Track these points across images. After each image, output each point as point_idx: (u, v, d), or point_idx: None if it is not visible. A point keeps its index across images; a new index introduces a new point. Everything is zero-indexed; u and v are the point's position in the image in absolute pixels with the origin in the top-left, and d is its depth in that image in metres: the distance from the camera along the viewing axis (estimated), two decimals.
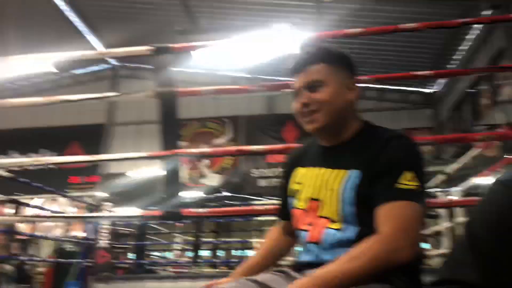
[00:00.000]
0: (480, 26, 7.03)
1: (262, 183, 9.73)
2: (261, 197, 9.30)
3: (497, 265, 0.68)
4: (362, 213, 1.06)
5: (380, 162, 1.06)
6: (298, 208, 1.19)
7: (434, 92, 10.10)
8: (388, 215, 1.00)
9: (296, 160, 1.28)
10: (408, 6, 6.87)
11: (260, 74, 10.29)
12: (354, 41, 8.08)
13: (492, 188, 0.76)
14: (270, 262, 1.29)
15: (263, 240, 1.39)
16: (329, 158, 1.17)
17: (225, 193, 10.09)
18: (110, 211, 5.79)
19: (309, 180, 1.18)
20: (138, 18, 9.02)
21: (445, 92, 9.49)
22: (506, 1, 6.10)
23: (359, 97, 1.21)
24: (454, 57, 8.30)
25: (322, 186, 1.14)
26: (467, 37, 7.74)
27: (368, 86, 10.13)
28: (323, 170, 1.16)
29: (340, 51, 1.22)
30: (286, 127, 9.98)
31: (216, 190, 10.04)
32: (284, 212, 1.32)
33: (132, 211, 7.95)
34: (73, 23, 9.44)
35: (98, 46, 9.75)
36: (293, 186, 1.23)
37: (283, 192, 1.32)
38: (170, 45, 2.09)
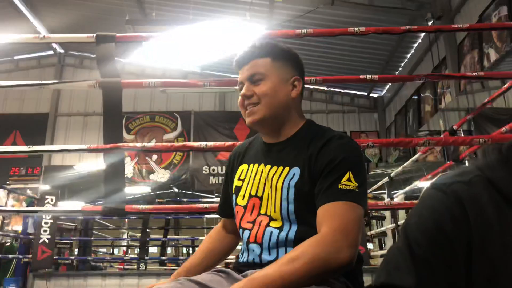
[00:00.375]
0: (426, 37, 7.36)
1: (213, 180, 9.66)
2: (212, 194, 9.24)
3: (432, 270, 0.69)
4: (302, 211, 1.07)
5: (320, 162, 1.07)
6: (239, 205, 1.18)
7: (381, 97, 10.48)
8: (328, 215, 0.99)
9: (240, 157, 1.27)
10: (358, 12, 7.07)
11: (212, 70, 10.22)
12: (305, 42, 8.22)
13: (427, 192, 0.77)
14: (212, 261, 1.27)
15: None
16: (271, 155, 1.17)
17: (174, 190, 9.93)
18: (53, 205, 5.53)
19: (251, 177, 1.18)
20: (86, 5, 8.65)
21: (391, 98, 9.87)
22: (448, 13, 6.44)
23: (302, 94, 1.22)
24: (401, 64, 8.65)
25: (263, 183, 1.14)
26: (414, 45, 8.08)
27: (318, 88, 10.37)
28: (265, 167, 1.16)
29: (286, 48, 1.23)
30: (238, 124, 9.97)
31: (165, 186, 9.87)
32: (225, 210, 1.31)
33: (73, 205, 7.65)
34: (17, 5, 8.88)
35: (42, 31, 9.25)
36: (235, 182, 1.22)
37: (225, 189, 1.31)
38: (114, 33, 2.00)
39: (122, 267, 8.64)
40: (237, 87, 1.24)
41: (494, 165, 0.74)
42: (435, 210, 0.72)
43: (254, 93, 1.15)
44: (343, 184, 1.02)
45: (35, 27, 9.31)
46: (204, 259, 1.26)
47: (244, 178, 1.19)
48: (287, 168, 1.11)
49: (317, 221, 1.01)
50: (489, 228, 0.70)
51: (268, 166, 1.15)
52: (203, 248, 1.29)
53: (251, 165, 1.20)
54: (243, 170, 1.22)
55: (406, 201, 2.22)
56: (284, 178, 1.10)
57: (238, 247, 1.34)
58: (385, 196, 5.81)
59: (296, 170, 1.10)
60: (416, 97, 8.21)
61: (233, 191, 1.22)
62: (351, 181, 1.02)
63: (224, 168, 9.63)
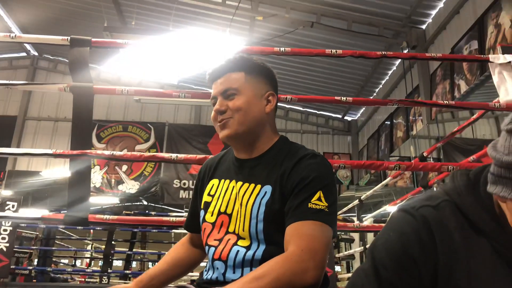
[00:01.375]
0: (401, 64, 7.58)
1: (184, 194, 9.51)
2: (181, 209, 9.08)
3: None
4: (271, 231, 1.05)
5: (291, 180, 1.05)
6: (207, 222, 1.15)
7: (355, 120, 10.66)
8: (296, 234, 0.97)
9: (210, 171, 1.24)
10: (337, 36, 7.22)
11: (189, 83, 10.19)
12: (283, 61, 8.33)
13: (396, 214, 0.77)
14: (176, 272, 1.23)
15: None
16: (243, 171, 1.15)
17: (142, 202, 9.73)
18: (14, 211, 5.31)
19: (221, 193, 1.15)
20: (64, 9, 8.51)
21: (364, 122, 10.05)
22: (423, 43, 6.66)
23: (275, 109, 1.21)
24: (375, 89, 8.85)
25: (233, 200, 1.11)
26: (389, 72, 8.29)
27: (294, 108, 10.47)
28: (236, 183, 1.13)
29: (261, 62, 1.22)
30: (212, 139, 9.92)
31: (134, 198, 9.66)
32: (192, 224, 1.28)
33: (35, 213, 7.34)
34: None
35: (16, 31, 9.02)
36: (204, 198, 1.19)
37: (194, 203, 1.27)
38: (89, 38, 1.96)
39: (84, 279, 8.34)
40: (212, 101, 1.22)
41: (462, 191, 0.74)
42: (403, 233, 0.72)
43: (227, 107, 1.13)
44: (313, 203, 1.00)
45: (9, 27, 9.09)
46: (168, 269, 1.22)
47: (214, 194, 1.16)
48: (258, 186, 1.09)
49: (285, 239, 0.99)
50: (455, 254, 0.69)
51: (240, 183, 1.13)
52: (168, 259, 1.25)
53: (222, 180, 1.17)
54: (213, 185, 1.19)
55: (375, 224, 2.23)
56: (256, 196, 1.08)
57: (203, 263, 1.30)
58: (355, 218, 5.85)
59: (268, 188, 1.07)
60: (388, 122, 8.39)
61: (202, 207, 1.18)
62: (321, 200, 1.01)
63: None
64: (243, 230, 1.07)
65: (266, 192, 1.07)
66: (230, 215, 1.10)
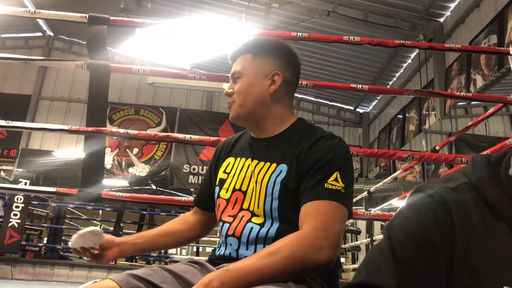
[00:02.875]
0: (416, 58, 7.48)
1: (193, 179, 9.58)
2: (190, 194, 9.16)
3: (413, 273, 0.68)
4: (285, 209, 1.05)
5: (308, 160, 1.05)
6: (222, 198, 1.16)
7: (367, 113, 10.59)
8: (311, 213, 0.98)
9: (227, 149, 1.25)
10: (353, 26, 7.15)
11: (202, 69, 10.19)
12: (298, 49, 8.25)
13: (414, 195, 0.77)
14: (164, 240, 1.25)
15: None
16: (258, 150, 1.16)
17: (152, 186, 9.81)
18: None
19: (236, 171, 1.16)
20: None
21: (376, 114, 9.98)
22: (440, 36, 6.57)
23: (289, 87, 1.20)
24: (389, 82, 8.77)
25: (248, 178, 1.12)
26: (404, 65, 8.20)
27: (306, 98, 10.42)
28: (252, 161, 1.14)
29: (270, 42, 1.22)
30: (223, 126, 9.94)
31: (143, 182, 9.74)
32: (202, 200, 1.30)
33: (48, 187, 7.45)
34: None
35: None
36: (220, 175, 1.20)
37: (206, 180, 1.29)
38: (107, 16, 1.97)
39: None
40: (224, 88, 1.27)
41: (482, 174, 0.74)
42: (420, 213, 0.71)
43: (233, 90, 1.17)
44: (329, 184, 1.00)
45: (26, 5, 9.13)
46: (158, 235, 1.25)
47: (230, 172, 1.17)
48: (274, 164, 1.09)
49: (300, 218, 1.00)
50: (473, 236, 0.69)
51: (255, 161, 1.13)
52: (163, 227, 1.28)
53: (238, 159, 1.18)
54: (229, 163, 1.20)
55: (385, 212, 2.23)
56: (271, 174, 1.08)
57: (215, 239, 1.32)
58: (363, 211, 5.83)
59: (283, 167, 1.08)
60: (401, 116, 8.32)
61: (217, 183, 1.19)
62: (338, 181, 1.01)
63: (205, 168, 9.63)
64: (258, 208, 1.08)
65: (281, 171, 1.07)
66: (245, 192, 1.11)
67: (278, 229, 1.04)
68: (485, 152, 2.81)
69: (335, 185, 1.00)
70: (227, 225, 1.12)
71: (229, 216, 1.12)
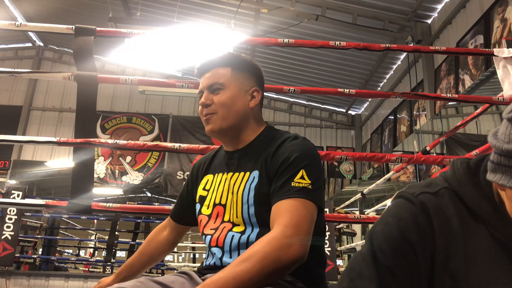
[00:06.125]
0: (405, 59, 7.54)
1: None
2: None
3: (394, 280, 0.69)
4: (262, 213, 1.07)
5: (275, 162, 1.08)
6: (204, 214, 1.19)
7: (359, 115, 10.63)
8: (280, 213, 1.00)
9: (204, 167, 1.29)
10: (342, 30, 7.19)
11: (193, 75, 10.18)
12: (286, 54, 8.30)
13: (395, 201, 0.77)
14: (148, 262, 1.35)
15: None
16: (232, 162, 1.19)
17: (146, 194, 9.76)
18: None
19: (215, 186, 1.19)
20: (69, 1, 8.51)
21: (368, 116, 10.02)
22: (428, 38, 6.62)
23: (261, 103, 1.24)
24: (380, 84, 8.82)
25: (226, 191, 1.15)
26: (393, 67, 8.26)
27: (298, 102, 10.44)
28: (227, 174, 1.17)
29: (248, 59, 1.25)
30: None
31: (138, 189, 9.70)
32: (178, 214, 1.35)
33: (38, 200, 7.40)
34: None
35: (20, 20, 9.01)
36: (200, 192, 1.23)
37: (183, 196, 1.33)
38: (94, 27, 1.97)
39: (87, 269, 8.40)
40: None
41: (462, 178, 0.75)
42: (401, 218, 0.72)
43: (212, 101, 1.17)
44: (296, 182, 1.02)
45: (15, 17, 9.09)
46: (143, 260, 1.34)
47: (209, 188, 1.20)
48: (247, 173, 1.13)
49: (270, 219, 1.02)
50: (453, 240, 0.70)
51: (230, 174, 1.16)
52: (143, 250, 1.36)
53: (216, 175, 1.21)
54: (208, 180, 1.23)
55: (376, 215, 2.23)
56: (246, 183, 1.11)
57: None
58: (357, 212, 5.86)
59: (256, 173, 1.11)
60: (392, 117, 8.36)
61: (197, 200, 1.23)
62: (304, 178, 1.03)
63: None
64: (237, 217, 1.10)
65: (254, 177, 1.10)
66: (224, 206, 1.14)
67: (258, 234, 1.07)
68: (474, 152, 2.83)
69: (302, 183, 1.02)
70: (209, 237, 1.14)
71: (211, 229, 1.15)
